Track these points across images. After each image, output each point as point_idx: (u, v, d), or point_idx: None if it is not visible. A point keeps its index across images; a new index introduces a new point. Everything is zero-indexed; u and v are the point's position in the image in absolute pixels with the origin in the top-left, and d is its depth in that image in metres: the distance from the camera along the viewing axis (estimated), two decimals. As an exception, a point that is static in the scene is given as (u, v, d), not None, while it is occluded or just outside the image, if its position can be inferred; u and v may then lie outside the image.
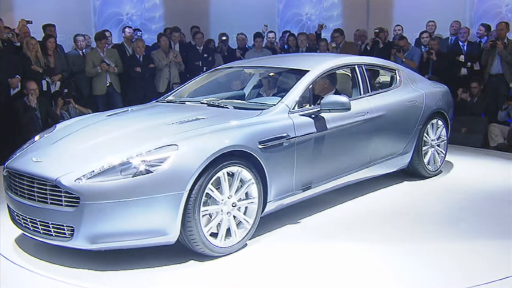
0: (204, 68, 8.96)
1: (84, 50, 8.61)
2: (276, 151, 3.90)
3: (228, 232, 3.68)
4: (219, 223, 3.62)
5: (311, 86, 4.53)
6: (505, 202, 4.88)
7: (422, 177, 5.56)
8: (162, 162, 3.32)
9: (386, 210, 4.65)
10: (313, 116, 4.29)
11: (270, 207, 3.98)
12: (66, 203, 3.29)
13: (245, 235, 3.77)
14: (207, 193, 3.48)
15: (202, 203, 3.43)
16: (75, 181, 3.26)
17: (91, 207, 3.21)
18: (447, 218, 4.51)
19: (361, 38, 9.70)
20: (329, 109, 4.26)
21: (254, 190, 3.77)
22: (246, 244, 3.81)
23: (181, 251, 3.60)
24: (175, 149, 3.39)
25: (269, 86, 5.37)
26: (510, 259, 3.60)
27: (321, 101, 4.30)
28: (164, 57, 8.63)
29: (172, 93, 5.26)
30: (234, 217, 3.70)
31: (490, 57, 8.35)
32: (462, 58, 8.69)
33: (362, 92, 4.95)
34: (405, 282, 3.29)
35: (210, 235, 3.54)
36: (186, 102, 4.78)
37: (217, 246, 3.57)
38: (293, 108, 4.23)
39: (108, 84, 8.31)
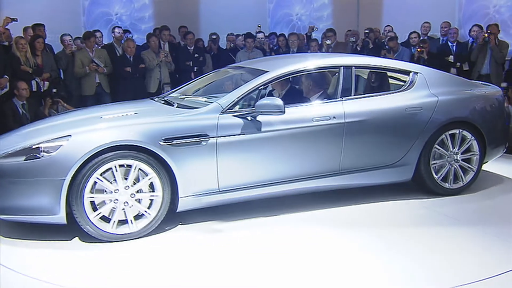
0: (195, 68, 8.93)
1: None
2: (190, 150, 3.99)
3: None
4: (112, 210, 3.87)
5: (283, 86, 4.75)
6: (502, 202, 4.91)
7: (436, 194, 4.93)
8: (54, 150, 3.74)
9: (381, 211, 4.67)
10: (248, 118, 4.20)
11: (185, 203, 4.06)
12: None
13: (145, 226, 3.96)
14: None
15: (88, 190, 3.76)
16: None
17: None
18: (444, 217, 4.51)
19: (354, 38, 9.71)
20: (262, 112, 4.17)
21: (157, 184, 3.94)
22: (149, 234, 3.98)
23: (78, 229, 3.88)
24: (67, 140, 3.78)
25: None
26: (501, 257, 3.65)
27: (255, 103, 4.21)
28: (155, 57, 8.58)
29: (179, 89, 5.33)
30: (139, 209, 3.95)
31: (481, 55, 8.42)
32: (451, 58, 8.76)
33: (339, 95, 4.60)
34: (401, 281, 3.30)
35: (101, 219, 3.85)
36: (155, 99, 5.03)
37: (106, 232, 3.86)
38: (231, 108, 4.21)
39: (96, 84, 8.25)
